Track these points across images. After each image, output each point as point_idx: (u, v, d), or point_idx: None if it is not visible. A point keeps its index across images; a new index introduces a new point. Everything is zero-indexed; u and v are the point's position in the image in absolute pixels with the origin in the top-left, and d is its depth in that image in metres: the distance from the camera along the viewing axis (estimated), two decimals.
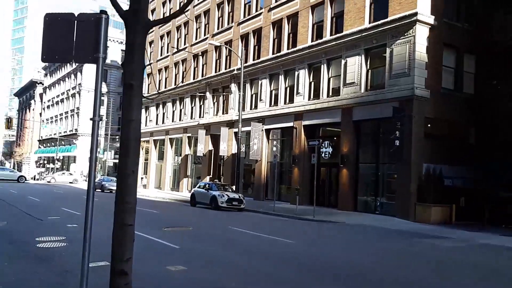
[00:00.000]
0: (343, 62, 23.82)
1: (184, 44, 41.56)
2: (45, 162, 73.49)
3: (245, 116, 29.17)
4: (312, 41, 26.39)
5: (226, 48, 33.73)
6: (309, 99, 26.29)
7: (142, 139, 47.07)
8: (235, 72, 32.21)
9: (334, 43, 24.28)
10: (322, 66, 25.42)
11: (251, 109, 31.40)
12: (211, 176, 35.03)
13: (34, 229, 12.41)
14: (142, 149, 45.06)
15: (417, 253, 11.87)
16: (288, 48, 28.30)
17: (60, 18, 4.50)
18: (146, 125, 45.75)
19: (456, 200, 20.35)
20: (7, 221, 13.70)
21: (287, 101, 28.16)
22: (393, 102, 20.38)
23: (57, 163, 63.72)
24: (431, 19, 20.34)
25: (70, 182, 49.66)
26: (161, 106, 45.14)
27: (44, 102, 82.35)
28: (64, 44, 4.48)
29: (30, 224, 13.69)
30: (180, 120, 41.13)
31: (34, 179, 61.31)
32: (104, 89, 60.03)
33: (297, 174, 26.28)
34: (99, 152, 53.35)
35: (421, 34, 20.26)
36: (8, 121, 53.32)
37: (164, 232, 13.06)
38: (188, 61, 40.57)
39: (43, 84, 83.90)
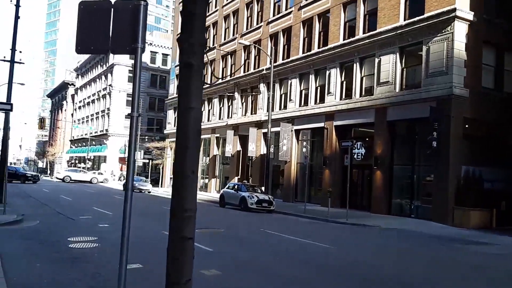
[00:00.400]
0: (376, 60, 23.14)
1: (213, 44, 41.47)
2: (77, 161, 74.91)
3: (274, 117, 28.77)
4: (344, 39, 25.77)
5: (255, 47, 33.42)
6: (340, 99, 25.67)
7: (171, 140, 47.42)
8: (264, 72, 31.88)
9: (367, 41, 23.61)
10: (354, 65, 24.77)
11: (280, 109, 30.98)
12: (239, 177, 34.78)
13: (66, 229, 12.36)
14: (171, 149, 45.08)
15: (464, 261, 11.17)
16: (319, 47, 27.74)
17: (96, 6, 4.19)
18: (174, 126, 45.82)
19: (497, 204, 19.51)
20: (40, 220, 13.73)
21: (318, 101, 27.60)
22: (430, 102, 19.60)
23: (88, 163, 64.83)
24: (470, 16, 19.48)
25: (100, 182, 50.42)
26: None
27: (76, 103, 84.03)
28: (100, 34, 4.14)
29: (62, 224, 13.68)
30: (208, 120, 41.05)
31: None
32: None
33: (328, 176, 25.71)
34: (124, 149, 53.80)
35: (460, 31, 19.41)
36: (41, 122, 54.54)
37: (196, 233, 12.75)
38: (216, 61, 40.47)
39: (74, 85, 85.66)
